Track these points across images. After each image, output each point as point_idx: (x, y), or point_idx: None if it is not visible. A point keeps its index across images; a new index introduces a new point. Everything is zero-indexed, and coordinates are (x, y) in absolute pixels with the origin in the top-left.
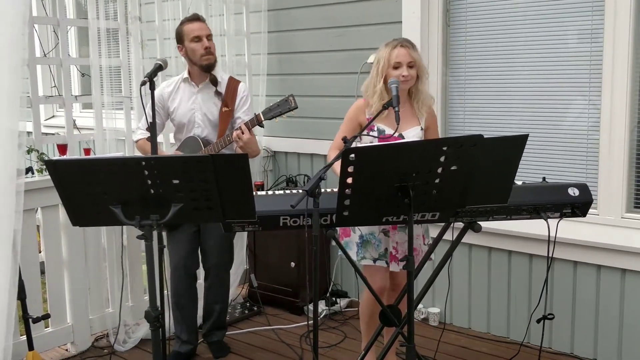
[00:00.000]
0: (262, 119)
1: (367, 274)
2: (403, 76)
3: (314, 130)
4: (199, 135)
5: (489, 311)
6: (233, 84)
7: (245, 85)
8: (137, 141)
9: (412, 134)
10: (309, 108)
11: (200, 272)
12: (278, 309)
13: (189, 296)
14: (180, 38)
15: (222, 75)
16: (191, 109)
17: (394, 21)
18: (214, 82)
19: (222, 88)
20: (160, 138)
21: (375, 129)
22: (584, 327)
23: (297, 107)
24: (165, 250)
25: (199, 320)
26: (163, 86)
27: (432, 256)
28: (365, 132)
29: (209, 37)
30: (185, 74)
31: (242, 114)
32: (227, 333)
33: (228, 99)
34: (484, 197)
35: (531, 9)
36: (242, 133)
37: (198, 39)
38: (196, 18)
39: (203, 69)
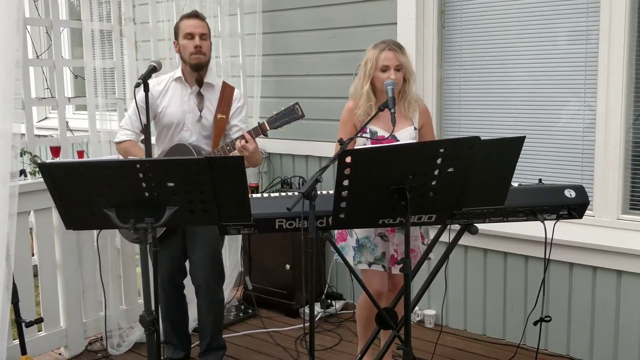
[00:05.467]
0: (268, 128)
1: (363, 279)
2: (391, 79)
3: (309, 132)
4: (186, 141)
5: (485, 313)
6: (228, 90)
7: (240, 92)
8: (119, 142)
9: (405, 134)
10: (304, 109)
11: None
12: (273, 311)
13: (177, 309)
14: (175, 34)
15: (216, 80)
16: (183, 110)
17: (389, 22)
18: (199, 82)
19: (215, 93)
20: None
21: (368, 130)
22: (580, 328)
23: (304, 116)
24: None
25: (196, 324)
26: (152, 84)
27: (431, 255)
28: (359, 135)
29: (203, 36)
30: (179, 73)
31: (239, 122)
32: (223, 354)
33: (223, 106)
34: (481, 199)
35: (526, 10)
36: (247, 142)
37: (190, 36)
38: (194, 15)
39: (192, 68)
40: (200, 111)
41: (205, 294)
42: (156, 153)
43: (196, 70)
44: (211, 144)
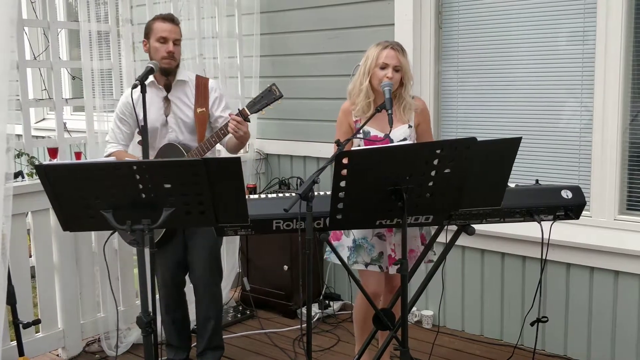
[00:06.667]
0: (248, 113)
1: (360, 279)
2: (387, 77)
3: (307, 133)
4: (175, 141)
5: (483, 313)
6: (202, 82)
7: (217, 82)
8: (107, 156)
9: (399, 132)
10: (302, 110)
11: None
12: (271, 312)
13: (179, 307)
14: (147, 33)
15: (189, 75)
16: (162, 113)
17: (387, 23)
18: (167, 87)
19: (190, 88)
20: (130, 147)
21: (361, 130)
22: (578, 328)
23: (282, 96)
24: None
25: (193, 324)
26: (128, 93)
27: (433, 257)
28: (355, 136)
29: (177, 41)
30: (151, 77)
31: (222, 112)
32: (221, 355)
33: (201, 99)
34: (478, 200)
35: (523, 10)
36: (239, 123)
37: (164, 40)
38: (169, 19)
39: (161, 72)
40: (167, 116)
41: (204, 290)
42: (151, 156)
43: (165, 75)
44: (197, 139)
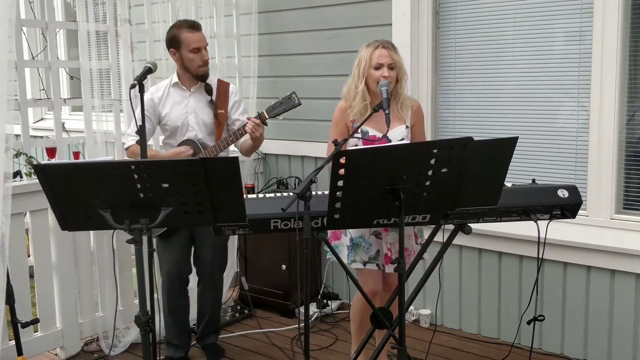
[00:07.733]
0: (267, 116)
1: (358, 278)
2: (384, 77)
3: (305, 133)
4: (194, 139)
5: (480, 312)
6: (223, 86)
7: (236, 87)
8: (127, 148)
9: (397, 133)
10: (300, 110)
11: (192, 276)
12: (269, 311)
13: (181, 301)
14: (176, 44)
15: (212, 78)
16: (184, 112)
17: (384, 24)
18: (209, 91)
19: (213, 91)
20: (150, 141)
21: (359, 130)
22: (574, 327)
23: (300, 104)
24: (155, 254)
25: (192, 323)
26: (152, 91)
27: (426, 255)
28: (352, 136)
29: (206, 47)
30: (175, 79)
31: (240, 116)
32: (218, 336)
33: (221, 101)
34: (475, 199)
35: (520, 10)
36: (257, 125)
37: (198, 50)
38: (197, 27)
39: (198, 78)
40: (216, 109)
41: (210, 277)
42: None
43: (203, 80)
44: (214, 139)
